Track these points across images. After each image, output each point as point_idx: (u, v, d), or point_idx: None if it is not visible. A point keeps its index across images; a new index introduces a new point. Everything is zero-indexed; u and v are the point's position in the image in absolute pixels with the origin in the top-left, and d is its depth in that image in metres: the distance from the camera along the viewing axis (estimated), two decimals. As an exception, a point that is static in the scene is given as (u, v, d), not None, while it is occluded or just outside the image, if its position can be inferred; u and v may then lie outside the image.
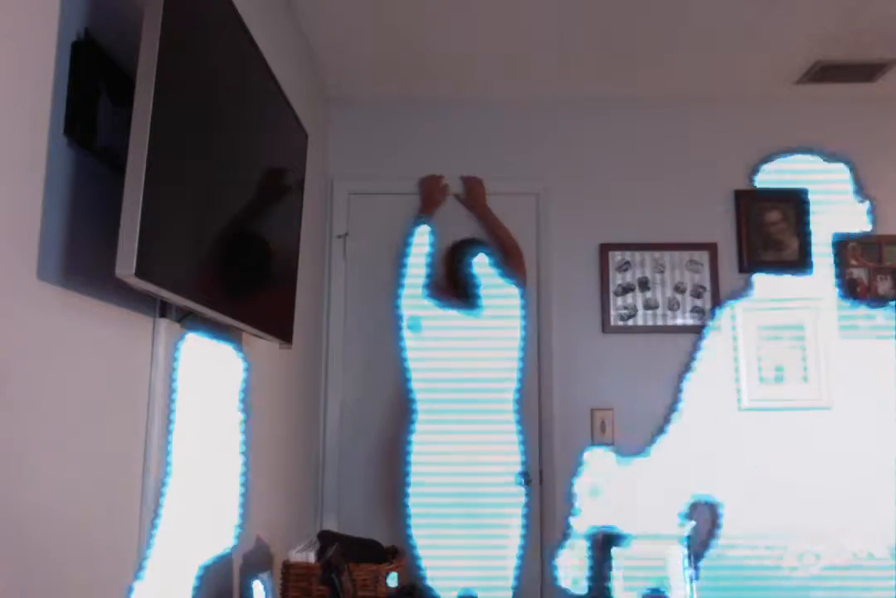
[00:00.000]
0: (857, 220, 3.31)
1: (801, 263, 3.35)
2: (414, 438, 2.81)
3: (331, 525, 3.08)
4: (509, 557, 2.78)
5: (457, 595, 2.65)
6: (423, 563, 2.71)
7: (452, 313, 2.90)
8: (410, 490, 2.76)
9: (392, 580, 2.21)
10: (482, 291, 2.91)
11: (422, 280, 2.98)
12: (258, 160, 1.84)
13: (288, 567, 2.15)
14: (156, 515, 1.50)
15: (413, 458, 2.79)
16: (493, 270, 2.97)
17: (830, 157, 3.27)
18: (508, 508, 2.78)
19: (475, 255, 2.97)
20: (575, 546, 3.10)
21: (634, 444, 3.17)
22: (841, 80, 3.24)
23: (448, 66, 3.14)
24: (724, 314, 3.30)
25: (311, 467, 3.10)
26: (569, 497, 3.15)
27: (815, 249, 3.34)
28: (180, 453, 1.63)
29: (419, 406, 2.85)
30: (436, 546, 2.73)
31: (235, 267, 1.67)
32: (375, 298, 3.27)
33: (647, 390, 3.22)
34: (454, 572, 2.71)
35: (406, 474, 2.78)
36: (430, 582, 2.68)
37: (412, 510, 2.75)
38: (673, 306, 3.31)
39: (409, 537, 2.74)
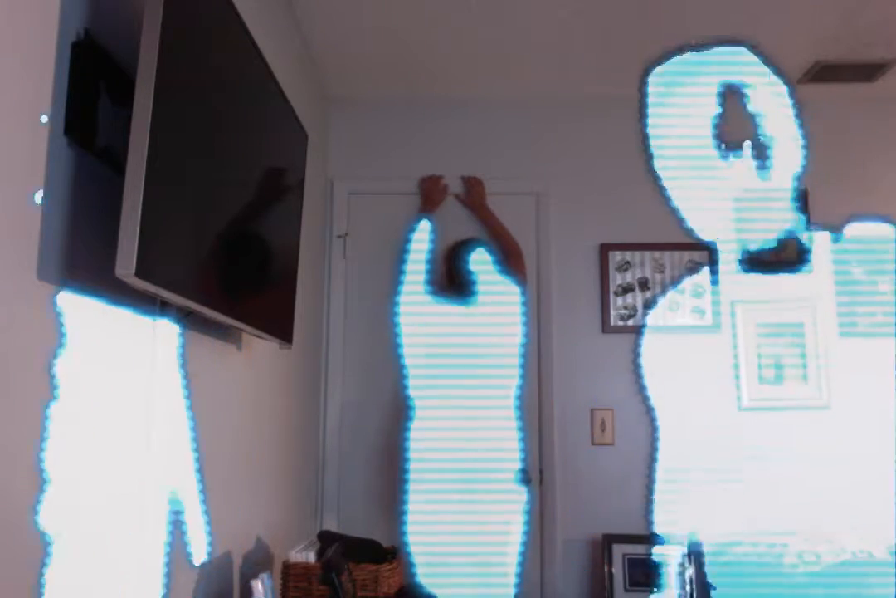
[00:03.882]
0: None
1: (801, 262, 3.34)
2: (414, 437, 2.81)
3: (331, 525, 3.08)
4: (509, 557, 2.78)
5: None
6: (423, 563, 2.71)
7: (450, 308, 2.90)
8: (410, 490, 2.76)
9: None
10: (476, 284, 2.91)
11: (422, 280, 2.98)
12: (258, 160, 1.84)
13: (288, 567, 2.15)
14: (155, 515, 1.50)
15: (413, 457, 2.79)
16: (493, 270, 2.97)
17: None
18: (508, 508, 2.78)
19: (475, 254, 2.97)
20: (575, 546, 3.10)
21: (634, 444, 3.16)
22: (841, 80, 3.23)
23: (448, 66, 3.14)
24: (724, 314, 3.29)
25: (311, 467, 3.09)
26: (569, 497, 3.15)
27: (814, 249, 3.33)
28: (180, 453, 1.63)
29: (419, 406, 2.84)
30: (435, 544, 2.73)
31: (235, 267, 1.67)
32: (375, 298, 3.26)
33: (648, 389, 3.22)
34: (453, 572, 2.70)
35: (406, 473, 2.78)
36: (428, 582, 2.68)
37: (412, 510, 2.75)
38: (673, 305, 3.30)
39: (408, 537, 2.74)
